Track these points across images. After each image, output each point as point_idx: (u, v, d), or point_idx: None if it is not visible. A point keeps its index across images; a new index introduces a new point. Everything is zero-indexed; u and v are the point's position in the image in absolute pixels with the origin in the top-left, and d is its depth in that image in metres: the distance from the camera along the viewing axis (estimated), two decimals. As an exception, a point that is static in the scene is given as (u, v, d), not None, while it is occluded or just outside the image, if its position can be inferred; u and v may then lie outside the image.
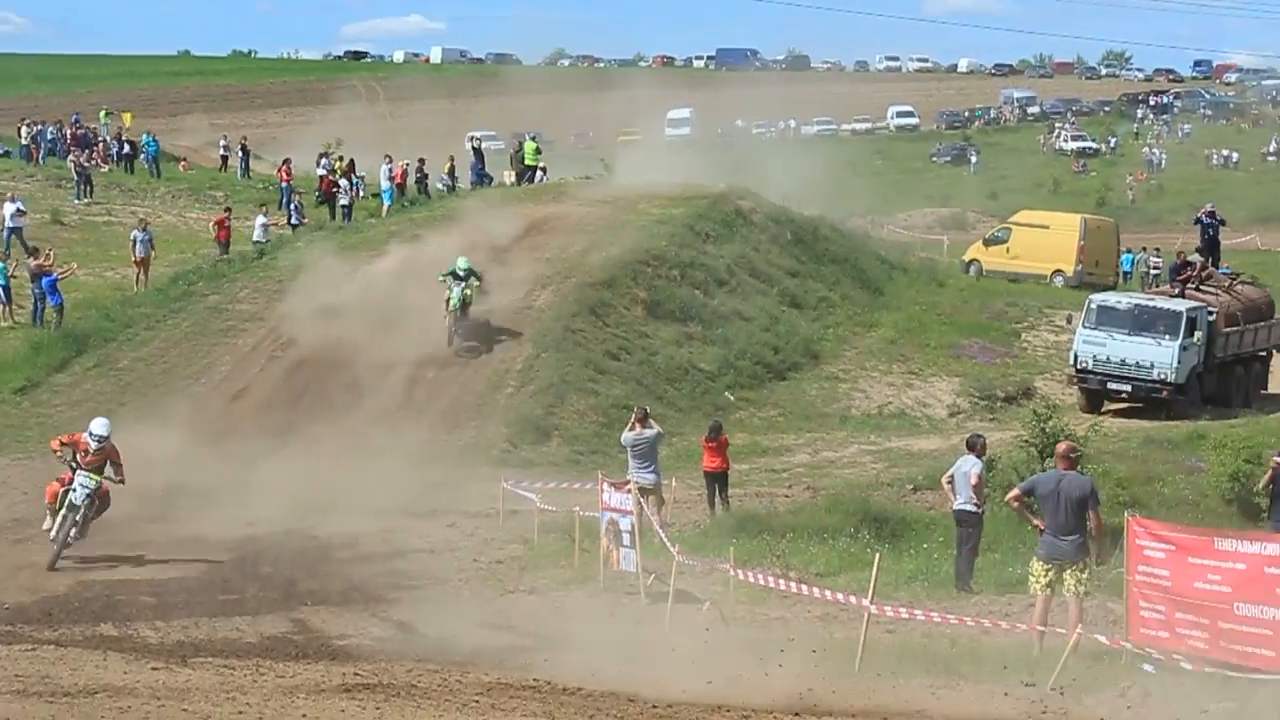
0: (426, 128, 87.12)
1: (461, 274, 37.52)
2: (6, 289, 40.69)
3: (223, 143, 74.28)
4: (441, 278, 37.45)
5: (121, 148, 67.08)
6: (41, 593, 21.13)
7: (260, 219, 48.96)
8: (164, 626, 19.17)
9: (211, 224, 48.56)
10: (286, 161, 59.20)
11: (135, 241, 43.80)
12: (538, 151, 58.28)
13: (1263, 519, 25.69)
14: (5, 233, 45.81)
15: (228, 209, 49.87)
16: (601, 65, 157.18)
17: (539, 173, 57.39)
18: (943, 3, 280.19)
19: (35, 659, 15.74)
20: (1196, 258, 44.85)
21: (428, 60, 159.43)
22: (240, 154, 70.75)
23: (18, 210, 46.60)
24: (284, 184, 56.66)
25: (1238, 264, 50.56)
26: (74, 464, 23.44)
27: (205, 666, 15.97)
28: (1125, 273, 61.21)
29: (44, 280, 39.40)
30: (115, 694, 13.46)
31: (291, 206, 52.54)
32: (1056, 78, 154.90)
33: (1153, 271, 59.39)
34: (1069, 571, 17.05)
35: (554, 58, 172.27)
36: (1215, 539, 15.65)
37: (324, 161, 60.63)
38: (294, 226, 50.57)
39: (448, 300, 37.16)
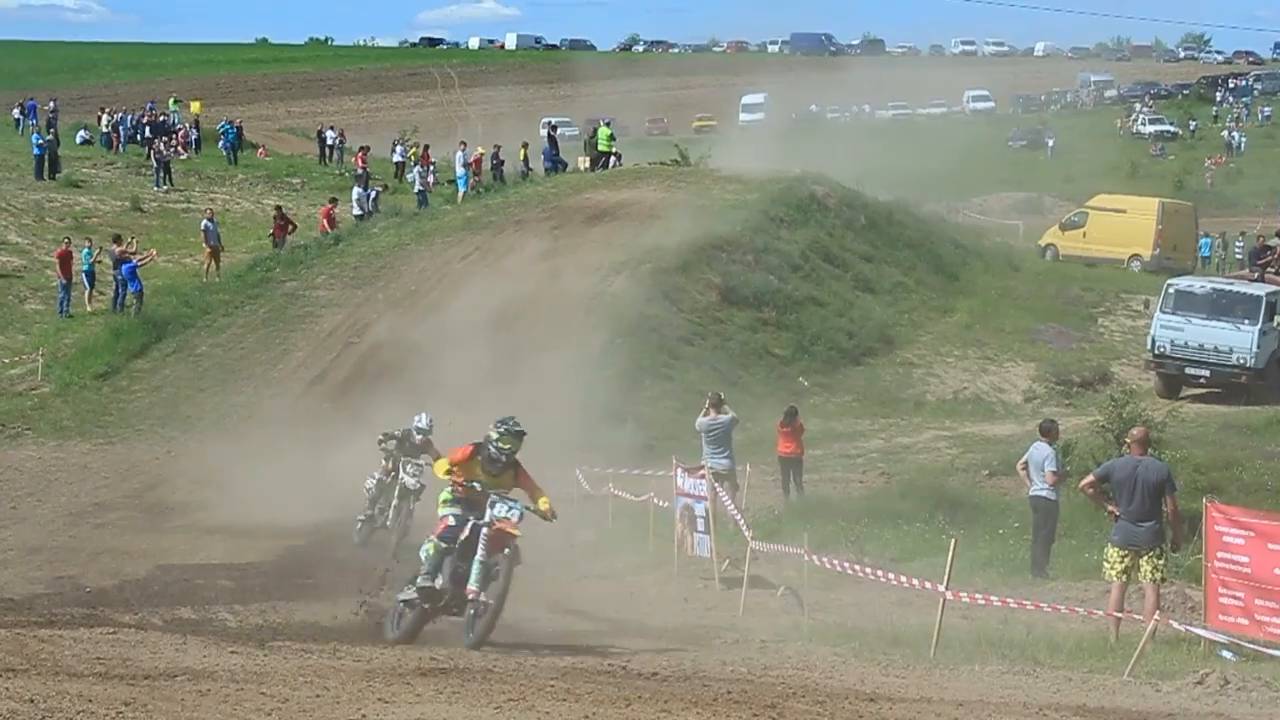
0: (501, 114, 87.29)
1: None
2: (90, 275, 41.09)
3: (329, 133, 72.64)
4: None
5: (187, 135, 67.40)
6: (122, 577, 21.33)
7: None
8: (242, 610, 19.29)
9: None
10: (364, 149, 59.46)
11: (206, 231, 44.10)
12: (612, 138, 58.39)
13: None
14: None
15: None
16: (676, 51, 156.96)
17: (613, 159, 57.45)
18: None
19: (116, 642, 15.85)
20: (1276, 241, 44.39)
21: (503, 46, 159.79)
22: (319, 141, 70.98)
23: None
24: (360, 171, 56.92)
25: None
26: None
27: (283, 650, 16.07)
28: (1203, 257, 60.72)
29: (124, 267, 39.81)
30: (195, 677, 13.53)
31: (368, 193, 52.75)
32: (1134, 61, 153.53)
33: (1235, 255, 59.05)
34: (1145, 558, 16.94)
35: (628, 43, 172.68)
36: (1295, 525, 15.51)
37: (399, 148, 60.82)
38: (370, 213, 50.86)
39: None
